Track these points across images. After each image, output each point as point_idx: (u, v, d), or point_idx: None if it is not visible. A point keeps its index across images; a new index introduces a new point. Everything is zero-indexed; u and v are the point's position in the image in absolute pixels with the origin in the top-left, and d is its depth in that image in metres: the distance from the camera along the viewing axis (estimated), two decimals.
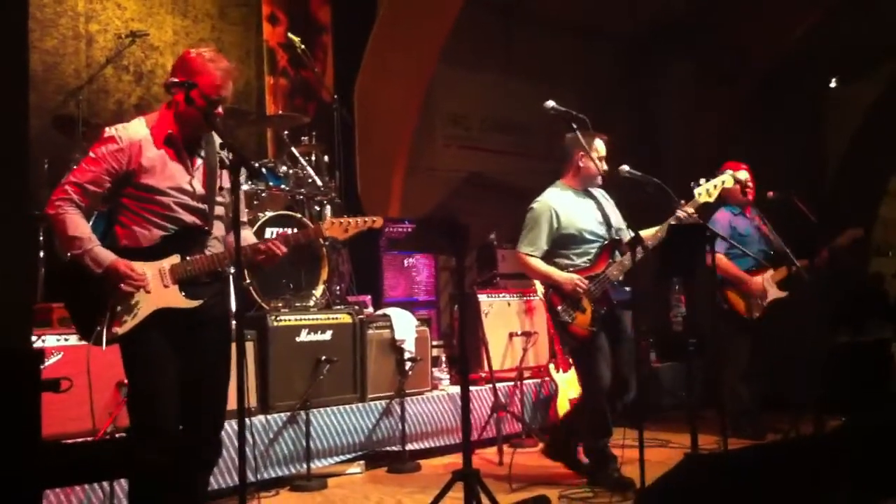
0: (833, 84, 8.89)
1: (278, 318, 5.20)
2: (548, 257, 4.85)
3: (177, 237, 3.38)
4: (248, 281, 5.31)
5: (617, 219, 4.96)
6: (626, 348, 4.82)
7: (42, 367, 3.98)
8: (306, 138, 6.31)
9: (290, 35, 6.11)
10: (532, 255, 4.84)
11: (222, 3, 7.59)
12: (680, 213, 4.65)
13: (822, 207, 6.47)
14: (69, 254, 3.29)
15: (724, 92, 8.50)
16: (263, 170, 5.82)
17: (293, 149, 6.09)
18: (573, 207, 4.88)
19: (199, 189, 3.43)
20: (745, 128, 8.46)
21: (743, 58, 8.27)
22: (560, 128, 4.83)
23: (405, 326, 5.80)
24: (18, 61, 3.02)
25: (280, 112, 6.95)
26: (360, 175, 7.92)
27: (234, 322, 3.56)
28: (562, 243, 4.84)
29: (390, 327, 5.77)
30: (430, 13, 7.73)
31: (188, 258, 3.39)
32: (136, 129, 3.41)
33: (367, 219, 3.68)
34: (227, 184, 3.47)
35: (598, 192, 5.00)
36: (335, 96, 6.72)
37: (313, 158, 6.27)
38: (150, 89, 7.10)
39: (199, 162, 3.47)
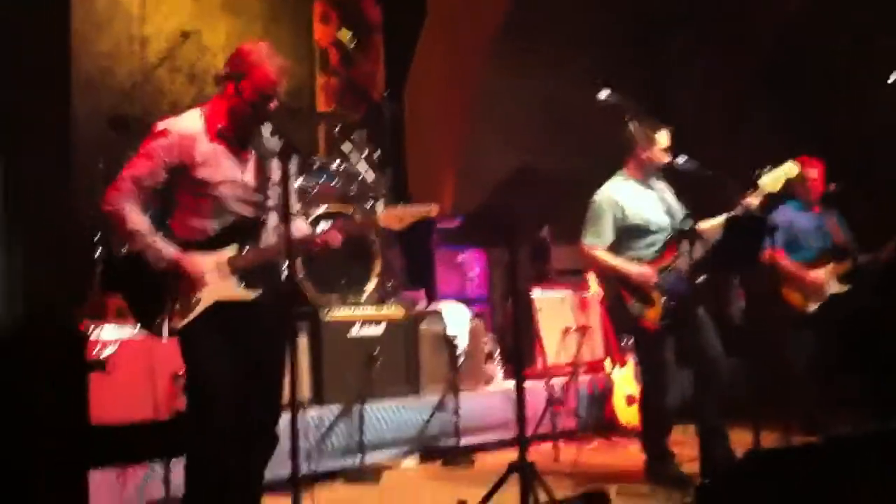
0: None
1: (331, 313, 5.20)
2: (614, 250, 4.71)
3: (232, 229, 3.40)
4: (301, 275, 5.32)
5: (679, 209, 4.81)
6: (708, 333, 4.63)
7: (100, 356, 4.10)
8: (357, 135, 6.30)
9: (340, 31, 6.10)
10: (598, 248, 4.72)
11: (274, 3, 7.63)
12: (747, 202, 4.51)
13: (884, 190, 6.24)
14: (130, 247, 3.33)
15: (733, 62, 8.13)
16: (314, 165, 5.84)
17: (343, 146, 6.09)
18: (637, 198, 4.75)
19: (252, 181, 3.44)
20: (760, 100, 8.04)
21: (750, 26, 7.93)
22: (616, 118, 4.71)
23: (458, 321, 5.77)
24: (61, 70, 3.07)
25: (330, 109, 6.95)
26: (410, 174, 7.90)
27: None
28: (627, 235, 4.70)
29: (443, 322, 5.74)
30: (478, 12, 7.69)
31: (244, 250, 3.39)
32: (189, 123, 3.42)
33: (421, 207, 3.61)
34: (276, 175, 3.47)
35: (660, 183, 4.87)
36: (385, 93, 6.70)
37: (364, 155, 6.26)
38: (204, 90, 7.13)
39: (251, 155, 3.47)
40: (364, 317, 5.34)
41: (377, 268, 5.78)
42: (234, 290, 3.36)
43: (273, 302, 3.45)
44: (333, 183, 5.86)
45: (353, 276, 5.71)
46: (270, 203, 3.48)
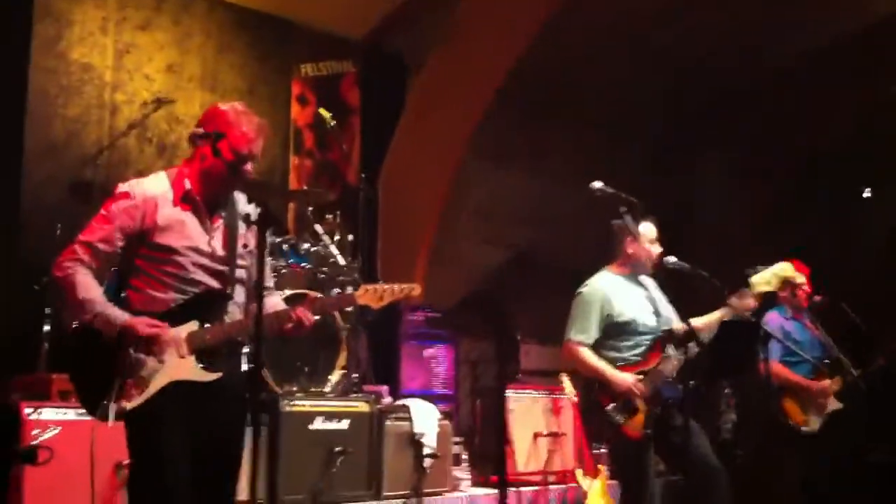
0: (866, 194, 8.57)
1: (292, 403, 4.85)
2: (595, 348, 4.46)
3: (194, 302, 3.08)
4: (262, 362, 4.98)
5: (667, 310, 4.59)
6: (703, 441, 4.35)
7: (38, 440, 3.72)
8: (330, 216, 6.06)
9: (321, 110, 5.91)
10: (583, 345, 4.45)
11: (252, 80, 7.48)
12: (735, 302, 4.31)
13: (873, 309, 6.11)
14: (79, 318, 2.99)
15: (759, 183, 8.25)
16: (285, 245, 5.56)
17: (316, 226, 5.84)
18: (625, 294, 4.52)
19: (219, 250, 3.15)
20: (781, 220, 8.16)
21: (782, 149, 8.06)
22: (605, 211, 4.52)
23: (426, 419, 5.43)
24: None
25: (304, 187, 6.74)
26: (381, 259, 7.68)
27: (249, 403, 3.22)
28: (612, 333, 4.46)
29: (409, 419, 5.39)
30: (459, 103, 7.63)
31: (206, 325, 3.08)
32: (154, 185, 3.15)
33: (403, 286, 3.32)
34: (251, 243, 3.19)
35: (648, 281, 4.65)
36: (362, 175, 6.52)
37: (336, 238, 6.01)
38: (173, 161, 6.89)
39: (219, 221, 3.20)
40: (327, 410, 4.98)
41: (343, 358, 5.45)
42: (192, 370, 3.02)
43: (234, 384, 3.13)
44: (304, 264, 5.58)
45: (316, 365, 5.37)
46: (238, 275, 3.19)
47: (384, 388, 6.23)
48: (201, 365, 3.04)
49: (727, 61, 7.72)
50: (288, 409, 4.81)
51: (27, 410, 3.85)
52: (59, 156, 6.24)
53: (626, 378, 4.33)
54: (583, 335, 4.45)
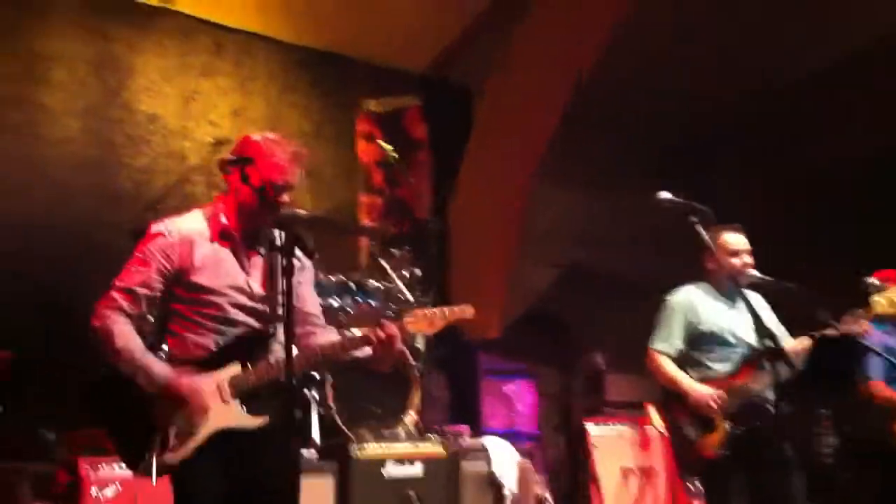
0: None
1: (362, 448, 4.64)
2: (681, 363, 4.19)
3: (236, 344, 2.91)
4: (330, 405, 4.82)
5: (773, 326, 4.17)
6: (796, 479, 4.00)
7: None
8: (398, 252, 5.90)
9: (381, 143, 5.78)
10: (664, 354, 4.19)
11: (316, 119, 7.40)
12: (847, 325, 3.94)
13: None
14: (118, 370, 2.84)
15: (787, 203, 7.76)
16: (352, 284, 5.41)
17: (382, 261, 5.68)
18: (714, 304, 4.25)
19: (258, 289, 2.97)
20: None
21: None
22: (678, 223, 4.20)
23: (504, 459, 5.16)
24: None
25: (369, 223, 6.62)
26: (455, 295, 7.46)
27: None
28: (698, 344, 4.18)
29: (487, 460, 5.12)
30: (524, 129, 7.43)
31: (249, 367, 2.89)
32: (189, 223, 3.01)
33: (455, 308, 3.11)
34: (301, 279, 3.02)
35: (752, 295, 4.20)
36: (431, 213, 6.37)
37: (406, 274, 5.84)
38: None
39: (257, 257, 3.02)
40: (400, 454, 4.76)
41: (416, 398, 5.23)
42: (237, 416, 2.84)
43: (282, 430, 2.90)
44: (371, 302, 5.42)
45: (388, 407, 5.16)
46: (280, 312, 3.00)
47: (464, 428, 6.01)
48: (245, 409, 2.85)
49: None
50: (358, 454, 4.61)
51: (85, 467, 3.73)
52: (128, 206, 6.21)
53: (705, 390, 4.04)
54: (664, 343, 4.22)
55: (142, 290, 2.91)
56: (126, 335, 2.86)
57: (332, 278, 5.38)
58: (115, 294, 2.92)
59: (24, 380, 4.48)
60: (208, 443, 2.80)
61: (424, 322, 3.05)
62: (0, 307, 5.18)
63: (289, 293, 2.70)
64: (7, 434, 4.14)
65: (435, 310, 3.09)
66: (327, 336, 3.11)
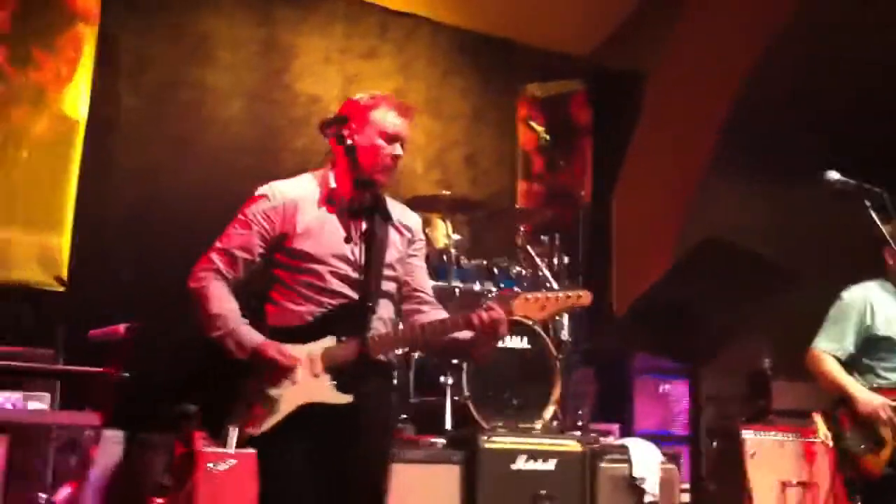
0: None
1: (491, 439, 4.47)
2: (848, 365, 3.85)
3: (333, 316, 2.78)
4: (466, 393, 4.69)
5: None
6: None
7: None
8: (546, 238, 5.67)
9: (533, 124, 5.58)
10: (830, 354, 3.86)
11: (477, 103, 7.29)
12: None
13: None
14: (210, 334, 2.76)
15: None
16: (495, 269, 5.25)
17: (530, 248, 5.48)
18: (894, 306, 3.87)
19: (361, 258, 2.80)
20: None
21: None
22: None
23: (646, 462, 4.84)
24: None
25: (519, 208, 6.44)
26: (616, 286, 7.18)
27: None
28: (870, 349, 3.85)
29: (628, 461, 4.83)
30: (695, 116, 7.01)
31: (344, 341, 2.75)
32: (296, 186, 2.92)
33: (570, 293, 2.86)
34: (395, 255, 2.89)
35: None
36: (584, 196, 6.13)
37: (555, 262, 5.62)
38: (398, 190, 6.85)
39: (364, 227, 2.88)
40: (532, 448, 4.56)
41: (556, 391, 5.00)
42: (326, 391, 2.70)
43: (378, 414, 2.79)
44: (515, 288, 5.24)
45: (528, 400, 4.97)
46: (385, 287, 2.88)
47: (614, 427, 5.75)
48: (335, 385, 2.71)
49: None
50: (487, 445, 4.45)
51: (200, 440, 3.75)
52: None
53: (875, 398, 3.69)
54: (833, 344, 3.89)
55: (241, 253, 2.84)
56: (221, 298, 2.79)
57: (475, 262, 5.26)
58: (213, 255, 2.86)
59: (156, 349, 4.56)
60: (293, 418, 2.69)
61: (535, 307, 2.82)
62: (156, 286, 5.29)
63: (367, 259, 2.60)
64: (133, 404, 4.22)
65: (548, 294, 2.87)
66: (434, 315, 2.96)
